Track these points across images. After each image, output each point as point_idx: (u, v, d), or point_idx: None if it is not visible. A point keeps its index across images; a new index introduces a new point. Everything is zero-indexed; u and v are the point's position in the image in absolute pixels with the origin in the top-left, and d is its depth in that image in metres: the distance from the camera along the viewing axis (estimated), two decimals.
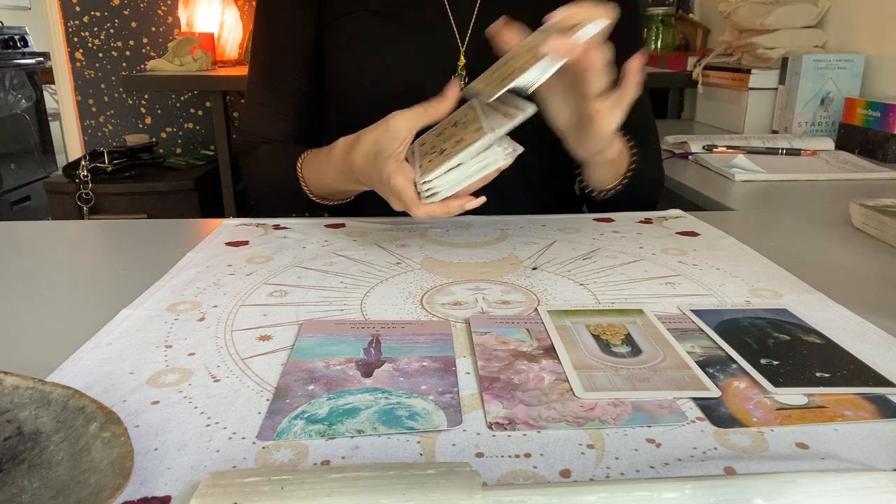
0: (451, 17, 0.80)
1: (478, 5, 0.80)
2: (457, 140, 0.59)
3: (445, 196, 0.58)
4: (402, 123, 0.60)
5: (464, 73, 0.80)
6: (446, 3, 0.80)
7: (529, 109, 0.57)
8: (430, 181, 0.57)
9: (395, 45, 0.79)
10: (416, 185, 0.59)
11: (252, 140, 0.85)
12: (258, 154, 0.84)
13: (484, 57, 0.79)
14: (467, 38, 0.80)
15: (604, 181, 0.77)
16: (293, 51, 0.83)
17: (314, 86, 0.85)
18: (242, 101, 2.37)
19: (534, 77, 0.55)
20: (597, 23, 0.55)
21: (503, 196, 0.78)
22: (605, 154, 0.68)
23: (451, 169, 0.57)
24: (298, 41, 0.83)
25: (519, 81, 0.55)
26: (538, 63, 0.54)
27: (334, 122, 0.87)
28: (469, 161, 0.57)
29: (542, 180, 0.87)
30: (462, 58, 0.80)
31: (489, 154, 0.57)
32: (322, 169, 0.74)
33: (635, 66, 0.59)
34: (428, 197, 0.58)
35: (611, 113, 0.60)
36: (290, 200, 0.79)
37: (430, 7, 0.80)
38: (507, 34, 0.62)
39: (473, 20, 0.80)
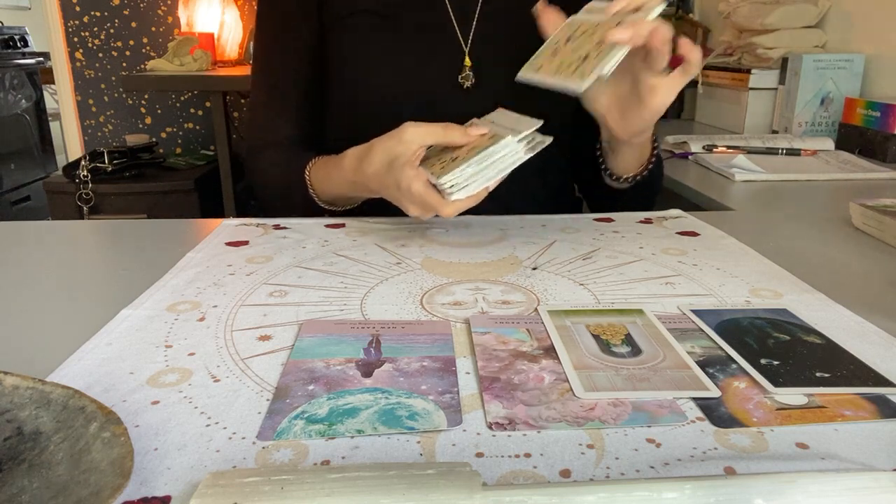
0: (453, 18, 0.80)
1: (479, 4, 0.80)
2: (469, 148, 0.60)
3: (468, 192, 0.59)
4: (417, 135, 0.61)
5: (470, 73, 0.80)
6: (448, 3, 0.80)
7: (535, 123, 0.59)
8: (448, 181, 0.58)
9: (399, 48, 0.79)
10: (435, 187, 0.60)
11: (258, 144, 0.86)
12: (265, 158, 0.85)
13: (488, 57, 0.79)
14: (471, 38, 0.80)
15: (628, 167, 0.78)
16: (295, 55, 0.83)
17: (317, 88, 0.85)
18: (243, 101, 2.37)
19: (613, 65, 0.58)
20: (660, 5, 0.59)
21: (501, 195, 0.78)
22: (643, 135, 0.70)
23: (467, 168, 0.58)
24: (300, 45, 0.83)
25: (604, 70, 0.58)
26: (614, 51, 0.58)
27: (339, 124, 0.87)
28: (486, 163, 0.58)
29: (539, 178, 0.87)
30: (467, 59, 0.80)
31: (507, 155, 0.58)
32: (332, 177, 0.75)
33: (692, 49, 0.61)
34: (450, 194, 0.59)
35: (668, 89, 0.63)
36: (296, 204, 0.80)
37: (431, 8, 0.80)
38: (549, 14, 0.65)
39: (476, 20, 0.80)
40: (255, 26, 0.87)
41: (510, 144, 0.58)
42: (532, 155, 0.59)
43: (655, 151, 0.79)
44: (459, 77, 0.79)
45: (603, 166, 0.81)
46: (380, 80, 0.79)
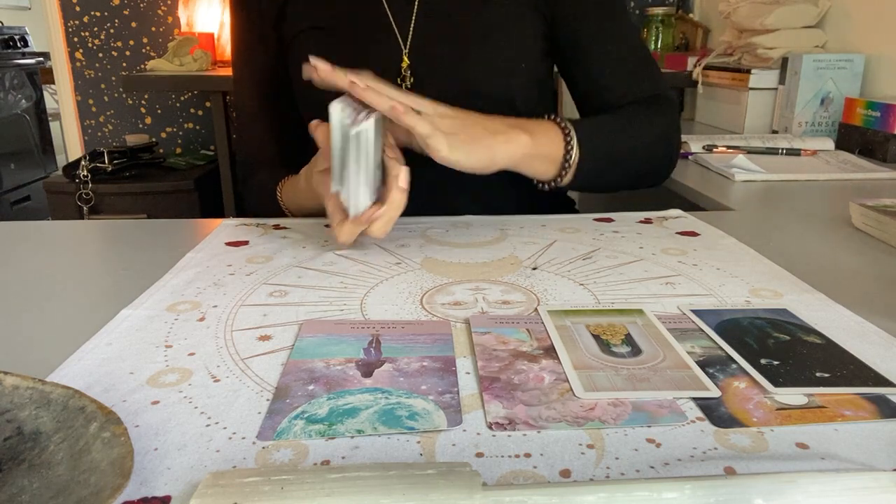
0: (393, 21, 0.80)
1: (415, 8, 0.80)
2: None
3: (364, 198, 0.59)
4: (319, 155, 0.64)
5: (408, 73, 0.80)
6: (386, 8, 0.80)
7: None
8: (338, 187, 0.59)
9: (342, 58, 0.79)
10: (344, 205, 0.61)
11: (250, 167, 0.89)
12: (253, 182, 0.87)
13: (426, 56, 0.80)
14: (409, 39, 0.80)
15: (543, 173, 0.71)
16: (260, 76, 0.86)
17: (290, 104, 0.87)
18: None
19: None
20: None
21: (499, 193, 0.77)
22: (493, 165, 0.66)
23: (340, 165, 0.58)
24: (266, 67, 0.86)
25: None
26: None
27: (309, 137, 0.89)
28: (340, 144, 0.58)
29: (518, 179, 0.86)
30: (405, 59, 0.80)
31: (341, 126, 0.57)
32: (297, 197, 0.77)
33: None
34: (353, 208, 0.59)
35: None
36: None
37: (371, 15, 0.80)
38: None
39: (413, 23, 0.80)
40: (230, 53, 0.90)
41: (334, 110, 0.57)
42: (373, 128, 0.57)
43: (569, 143, 0.71)
44: (398, 79, 0.80)
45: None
46: (328, 92, 0.80)
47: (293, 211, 0.80)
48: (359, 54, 0.80)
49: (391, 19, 0.80)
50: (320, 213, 0.77)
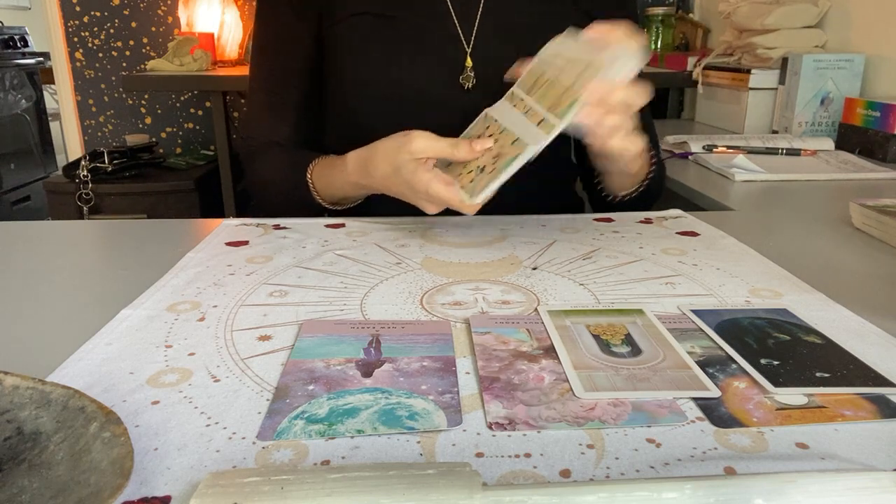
0: (455, 20, 0.80)
1: (481, 5, 0.80)
2: (494, 156, 0.61)
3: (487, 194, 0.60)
4: (424, 147, 0.62)
5: (471, 74, 0.79)
6: (449, 4, 0.79)
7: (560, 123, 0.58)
8: (484, 196, 0.59)
9: (399, 49, 0.79)
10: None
11: (255, 144, 0.86)
12: (264, 158, 0.84)
13: (490, 59, 0.79)
14: (472, 40, 0.80)
15: (623, 187, 0.79)
16: (294, 54, 0.83)
17: (315, 88, 0.85)
18: (243, 101, 2.37)
19: (571, 117, 0.58)
20: (630, 64, 0.57)
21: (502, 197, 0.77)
22: (629, 166, 0.71)
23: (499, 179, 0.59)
24: (299, 45, 0.83)
25: (563, 125, 0.57)
26: (576, 105, 0.57)
27: (338, 124, 0.87)
28: (511, 169, 0.59)
29: (539, 179, 0.87)
30: (469, 59, 0.79)
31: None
32: (334, 179, 0.75)
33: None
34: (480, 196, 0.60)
35: (627, 141, 0.63)
36: (296, 205, 0.79)
37: (433, 10, 0.79)
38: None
39: (478, 21, 0.80)
40: (254, 27, 0.86)
41: (533, 152, 0.58)
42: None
43: (653, 166, 0.79)
44: (460, 78, 0.79)
45: (599, 186, 0.82)
46: (380, 81, 0.79)
47: (323, 195, 0.77)
48: (417, 47, 0.79)
49: (454, 17, 0.79)
50: (352, 200, 0.78)
